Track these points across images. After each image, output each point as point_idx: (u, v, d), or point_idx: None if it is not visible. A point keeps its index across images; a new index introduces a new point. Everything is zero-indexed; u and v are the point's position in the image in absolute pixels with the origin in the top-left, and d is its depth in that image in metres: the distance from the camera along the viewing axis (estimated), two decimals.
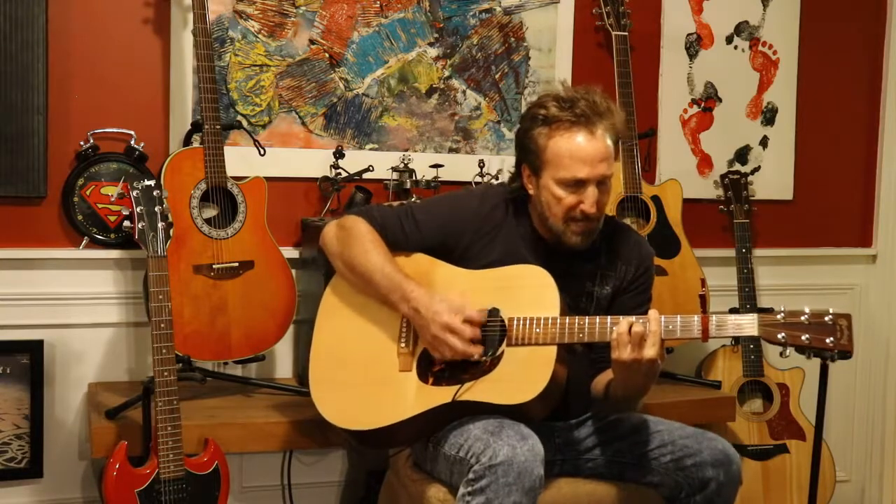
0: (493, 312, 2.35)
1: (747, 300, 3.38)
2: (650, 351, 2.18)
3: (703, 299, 2.21)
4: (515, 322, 2.30)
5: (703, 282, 2.29)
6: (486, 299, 2.36)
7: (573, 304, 2.42)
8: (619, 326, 2.21)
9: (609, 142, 2.34)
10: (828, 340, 2.10)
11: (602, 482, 2.45)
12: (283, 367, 3.15)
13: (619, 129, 2.37)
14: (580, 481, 2.45)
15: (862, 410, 3.92)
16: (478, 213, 2.46)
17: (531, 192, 2.42)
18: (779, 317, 2.14)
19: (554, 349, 2.26)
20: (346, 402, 2.40)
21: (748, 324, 2.16)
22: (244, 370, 3.09)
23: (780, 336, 2.12)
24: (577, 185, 2.32)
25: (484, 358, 2.31)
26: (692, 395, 3.16)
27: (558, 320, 2.27)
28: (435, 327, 2.30)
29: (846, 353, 2.10)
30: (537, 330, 2.28)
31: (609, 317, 2.27)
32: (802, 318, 2.13)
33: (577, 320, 2.27)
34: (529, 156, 2.39)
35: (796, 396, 3.43)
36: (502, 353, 2.31)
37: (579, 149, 2.31)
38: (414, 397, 2.34)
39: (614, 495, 2.42)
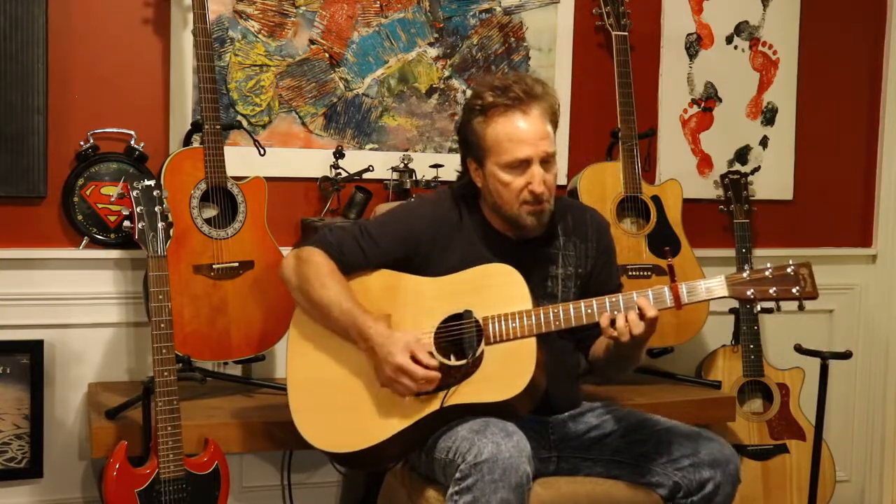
0: (466, 314, 2.34)
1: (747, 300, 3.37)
2: (637, 330, 2.22)
3: (671, 269, 2.24)
4: (490, 321, 2.31)
5: (669, 252, 2.32)
6: (457, 303, 2.36)
7: (540, 289, 2.44)
8: (602, 320, 2.24)
9: (546, 122, 2.37)
10: (794, 290, 2.19)
11: (601, 482, 2.45)
12: (283, 367, 3.13)
13: (555, 110, 2.41)
14: (579, 480, 2.45)
15: (862, 410, 3.92)
16: (433, 218, 2.47)
17: (479, 184, 2.44)
18: (745, 275, 2.22)
19: (533, 341, 2.27)
20: (334, 425, 2.39)
21: (717, 286, 2.22)
22: (244, 370, 3.09)
23: (749, 293, 2.21)
24: (522, 166, 2.35)
25: (465, 360, 2.31)
26: (692, 395, 3.16)
27: (532, 312, 2.29)
28: (388, 368, 2.29)
29: (811, 298, 2.20)
30: (513, 325, 2.29)
31: (582, 301, 2.30)
32: (766, 273, 2.21)
33: (551, 309, 2.29)
34: (472, 148, 2.42)
35: (796, 396, 3.43)
36: (482, 353, 2.31)
37: (517, 130, 2.34)
38: (401, 411, 2.33)
39: (613, 495, 2.42)
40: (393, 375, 2.29)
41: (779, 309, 2.26)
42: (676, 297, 2.22)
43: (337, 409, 2.40)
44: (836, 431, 3.83)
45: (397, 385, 2.30)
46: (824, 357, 2.99)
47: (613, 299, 2.26)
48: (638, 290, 2.25)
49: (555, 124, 2.41)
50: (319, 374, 2.43)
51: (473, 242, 2.45)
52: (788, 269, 2.20)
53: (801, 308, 2.21)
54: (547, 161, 2.37)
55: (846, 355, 3.00)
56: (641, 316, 2.21)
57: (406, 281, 2.43)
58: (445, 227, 2.46)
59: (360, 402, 2.38)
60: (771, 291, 2.19)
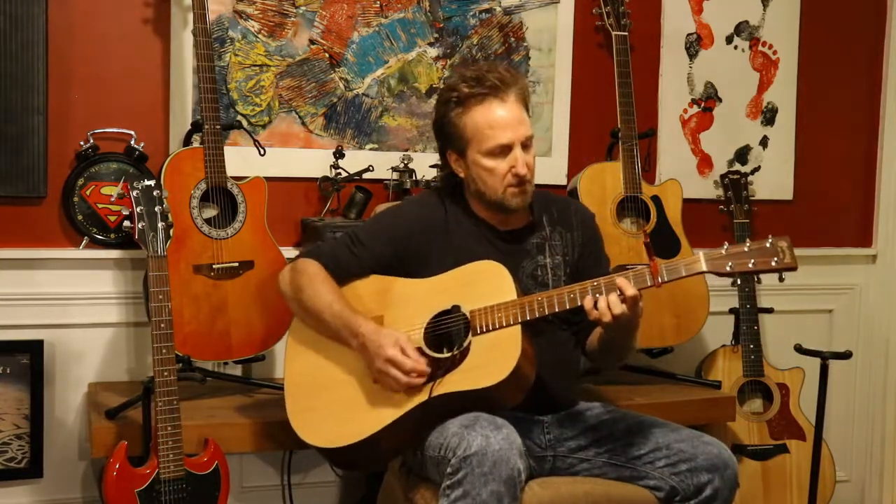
0: (454, 310, 2.38)
1: (747, 300, 3.37)
2: (617, 310, 2.24)
3: (648, 247, 2.26)
4: (477, 313, 2.35)
5: (646, 233, 2.34)
6: (446, 300, 2.40)
7: (531, 279, 2.49)
8: (586, 303, 2.27)
9: (522, 106, 2.45)
10: (772, 262, 2.21)
11: (600, 482, 2.44)
12: (283, 368, 3.15)
13: (526, 94, 2.49)
14: (578, 480, 2.44)
15: (862, 410, 3.92)
16: (420, 217, 2.52)
17: (462, 174, 2.50)
18: (723, 250, 2.24)
19: (518, 328, 2.30)
20: (327, 422, 2.42)
21: (696, 261, 2.25)
22: (244, 370, 3.09)
23: (727, 267, 2.23)
24: (504, 151, 2.41)
25: (452, 353, 2.34)
26: (692, 395, 3.16)
27: (517, 302, 2.32)
28: (379, 361, 2.33)
29: (791, 269, 2.22)
30: (499, 315, 2.32)
31: (565, 288, 2.34)
32: (745, 248, 2.24)
33: (535, 297, 2.33)
34: (452, 140, 2.47)
35: (796, 396, 3.43)
36: (469, 344, 2.34)
37: (497, 117, 2.41)
38: (391, 403, 2.35)
39: (612, 495, 2.42)
40: (383, 368, 2.32)
41: (759, 281, 2.27)
42: (655, 275, 2.25)
43: (330, 407, 2.43)
44: (836, 431, 3.83)
45: (387, 378, 2.33)
46: (824, 357, 2.99)
47: (595, 283, 2.29)
48: (619, 273, 2.29)
49: (527, 107, 2.48)
50: (314, 376, 2.48)
51: (462, 237, 2.49)
52: (767, 243, 2.22)
53: (781, 280, 2.23)
54: (527, 145, 2.44)
55: (846, 355, 2.99)
56: (623, 297, 2.24)
57: (396, 284, 2.47)
58: (432, 224, 2.51)
59: (351, 398, 2.41)
60: (749, 264, 2.21)
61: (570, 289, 2.32)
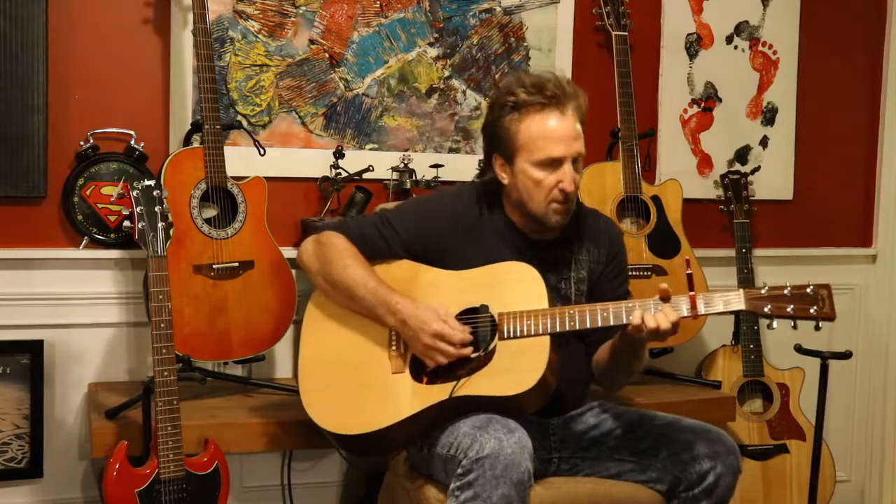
0: (483, 309, 2.36)
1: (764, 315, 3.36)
2: (665, 324, 2.22)
3: (690, 278, 2.24)
4: (506, 317, 2.32)
5: (688, 262, 2.32)
6: (474, 298, 2.38)
7: (554, 290, 2.45)
8: (634, 317, 2.23)
9: (578, 121, 2.38)
10: (811, 310, 2.17)
11: (601, 482, 2.45)
12: (283, 367, 3.15)
13: (584, 109, 2.41)
14: (579, 480, 2.45)
15: (862, 410, 3.92)
16: (452, 212, 2.49)
17: (505, 181, 2.44)
18: (763, 291, 2.21)
19: (547, 339, 2.28)
20: (341, 408, 2.40)
21: (735, 299, 2.22)
22: (244, 370, 3.09)
23: (766, 309, 2.20)
24: (554, 164, 2.36)
25: (477, 353, 2.33)
26: (692, 395, 3.16)
27: (548, 312, 2.30)
28: (425, 336, 2.32)
29: (829, 319, 2.18)
30: (528, 322, 2.30)
31: (598, 304, 2.31)
32: (785, 291, 2.20)
33: (567, 310, 2.30)
34: (501, 144, 2.41)
35: (796, 396, 3.43)
36: (495, 347, 2.32)
37: (553, 129, 2.35)
38: (409, 398, 2.34)
39: (613, 495, 2.42)
40: (430, 343, 2.31)
41: (795, 328, 2.23)
42: (693, 307, 2.23)
43: (346, 391, 2.41)
44: (836, 431, 3.83)
45: (435, 352, 2.32)
46: (824, 357, 2.99)
47: (630, 304, 2.28)
48: (655, 300, 2.25)
49: (583, 123, 2.41)
50: (332, 357, 2.45)
51: (492, 239, 2.46)
52: (808, 289, 2.19)
53: (817, 328, 2.18)
54: (577, 161, 2.39)
55: (846, 355, 2.99)
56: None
57: (426, 272, 2.44)
58: (464, 221, 2.47)
59: (370, 385, 2.39)
60: (788, 309, 2.18)
61: (603, 307, 2.29)
